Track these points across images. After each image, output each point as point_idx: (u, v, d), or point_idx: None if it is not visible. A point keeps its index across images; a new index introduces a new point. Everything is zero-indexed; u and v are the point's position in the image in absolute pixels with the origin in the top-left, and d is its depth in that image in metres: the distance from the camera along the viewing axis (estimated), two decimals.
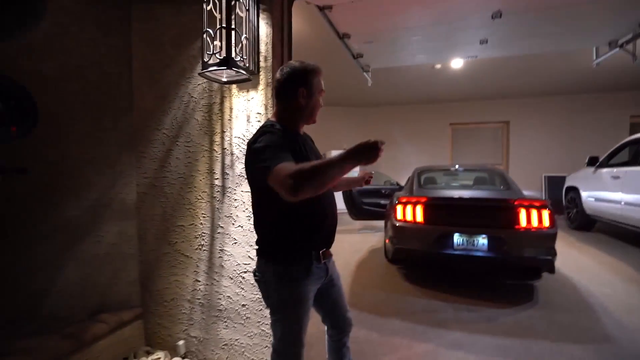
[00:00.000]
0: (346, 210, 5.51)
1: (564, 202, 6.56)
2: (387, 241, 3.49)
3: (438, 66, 5.47)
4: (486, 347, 2.23)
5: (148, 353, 2.05)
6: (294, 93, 1.22)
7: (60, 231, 2.03)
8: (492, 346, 2.24)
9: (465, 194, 3.35)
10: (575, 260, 4.19)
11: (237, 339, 1.90)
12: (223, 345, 1.94)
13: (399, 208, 3.25)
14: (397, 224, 3.22)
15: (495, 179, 4.08)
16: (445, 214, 3.08)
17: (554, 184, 7.57)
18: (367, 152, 1.01)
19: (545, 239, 2.89)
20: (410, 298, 3.07)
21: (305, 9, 2.90)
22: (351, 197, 5.25)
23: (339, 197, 6.70)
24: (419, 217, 3.13)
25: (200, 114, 1.92)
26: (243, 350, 1.88)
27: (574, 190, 6.12)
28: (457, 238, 2.98)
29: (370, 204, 5.20)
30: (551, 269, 2.91)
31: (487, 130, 8.55)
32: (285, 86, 1.24)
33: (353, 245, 5.03)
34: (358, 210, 5.25)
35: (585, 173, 5.80)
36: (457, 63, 5.28)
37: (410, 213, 3.18)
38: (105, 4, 2.02)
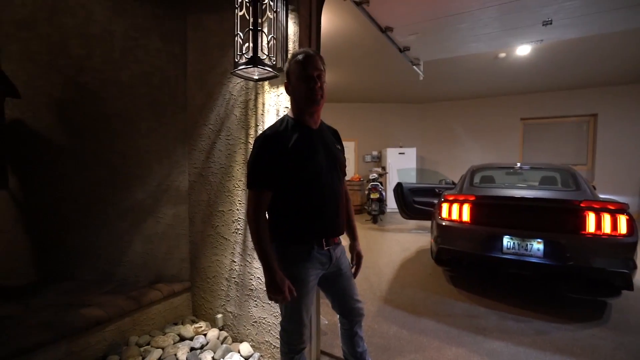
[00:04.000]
0: (397, 210, 5.39)
1: None
2: (432, 241, 3.33)
3: (502, 55, 4.95)
4: None
5: (193, 322, 2.31)
6: (286, 85, 1.34)
7: (131, 211, 2.41)
8: None
9: (520, 193, 3.02)
10: None
11: (265, 318, 2.03)
12: (253, 322, 2.09)
13: (445, 206, 3.07)
14: (442, 223, 3.06)
15: (565, 179, 3.57)
16: (495, 214, 2.83)
17: None
18: (272, 289, 1.25)
19: (619, 248, 2.46)
20: (450, 300, 2.90)
21: (344, 5, 2.90)
22: (402, 194, 5.10)
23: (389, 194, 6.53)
24: (465, 217, 2.92)
25: (239, 110, 2.09)
26: (270, 328, 2.01)
27: None
28: (506, 241, 2.71)
29: (422, 203, 4.99)
30: (628, 284, 2.46)
31: (568, 126, 7.44)
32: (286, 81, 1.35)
33: (402, 245, 4.89)
34: (409, 209, 5.08)
35: None
36: (523, 50, 4.72)
37: (457, 212, 2.99)
38: (166, 17, 2.32)
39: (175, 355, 1.92)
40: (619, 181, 6.81)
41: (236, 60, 1.73)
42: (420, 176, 8.46)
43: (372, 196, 6.75)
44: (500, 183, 4.04)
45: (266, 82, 1.94)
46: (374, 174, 7.44)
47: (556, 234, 2.59)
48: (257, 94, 2.00)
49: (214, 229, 2.26)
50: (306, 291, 1.32)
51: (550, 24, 2.81)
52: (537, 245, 2.62)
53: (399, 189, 5.17)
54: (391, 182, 7.82)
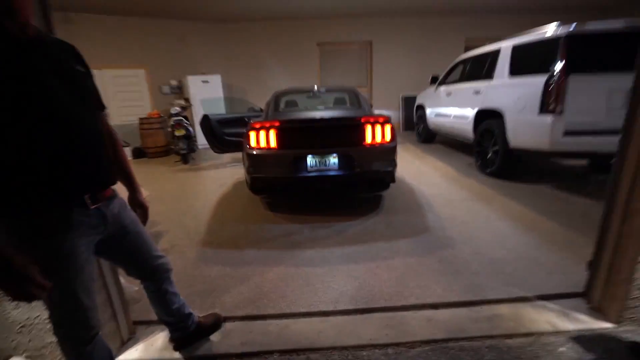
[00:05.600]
0: (208, 145, 5.15)
1: (414, 119, 7.62)
2: (245, 171, 3.39)
3: None
4: (335, 258, 2.50)
5: None
6: None
7: None
8: (339, 256, 2.52)
9: (316, 115, 3.42)
10: (417, 169, 5.03)
11: (38, 316, 1.57)
12: (20, 328, 1.59)
13: (252, 134, 3.11)
14: (252, 152, 3.12)
15: (351, 99, 4.29)
16: (298, 137, 3.11)
17: (409, 103, 8.61)
18: (10, 283, 0.88)
19: (387, 153, 3.24)
20: (269, 226, 3.16)
21: None
22: (210, 128, 4.84)
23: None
24: (273, 143, 3.07)
25: None
26: (49, 327, 1.58)
27: (421, 108, 7.11)
28: (310, 160, 3.08)
29: (233, 135, 4.92)
30: (392, 178, 3.34)
31: (353, 52, 8.84)
32: None
33: (218, 181, 4.82)
34: (220, 142, 4.93)
35: (429, 92, 6.74)
36: None
37: (264, 139, 3.08)
38: None
39: None
40: (387, 99, 8.88)
41: None
42: (230, 106, 8.25)
43: (177, 133, 6.15)
44: (303, 106, 4.43)
45: None
46: (176, 108, 6.72)
47: (346, 148, 3.12)
48: None
49: None
50: (77, 268, 1.04)
51: None
52: (333, 160, 3.11)
53: (206, 121, 4.87)
54: (198, 115, 7.28)
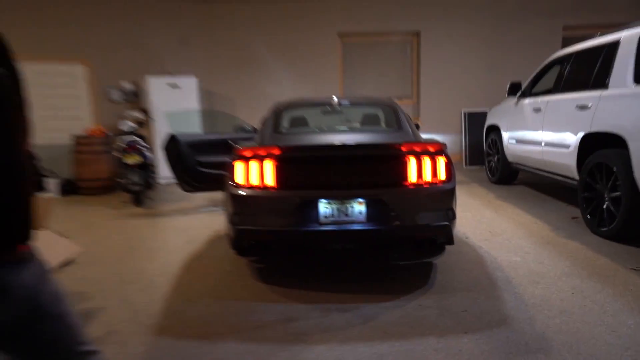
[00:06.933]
0: (174, 180, 5.30)
1: (484, 147, 7.68)
2: (227, 222, 3.45)
3: None
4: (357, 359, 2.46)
5: None
6: None
7: None
8: (366, 357, 2.48)
9: (335, 140, 3.52)
10: (489, 224, 5.00)
11: None
12: None
13: (239, 166, 3.21)
14: (237, 192, 3.20)
15: (388, 117, 4.40)
16: (308, 172, 3.19)
17: (476, 122, 8.68)
18: None
19: (442, 198, 3.27)
20: (259, 305, 3.17)
21: None
22: (179, 155, 5.01)
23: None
24: (269, 179, 3.15)
25: None
26: None
27: (495, 131, 7.20)
28: (324, 207, 3.13)
29: (212, 165, 5.06)
30: (449, 238, 3.33)
31: (392, 47, 9.17)
32: None
33: (185, 234, 4.91)
34: (192, 176, 5.08)
35: (507, 106, 6.85)
36: None
37: (257, 173, 3.17)
38: None
39: None
40: (443, 116, 9.05)
41: None
42: (209, 122, 8.54)
43: (128, 160, 6.37)
44: (315, 127, 4.57)
45: None
46: (129, 123, 7.04)
47: (378, 190, 3.17)
48: None
49: None
50: None
51: None
52: (359, 208, 3.15)
53: (173, 144, 5.05)
54: (161, 134, 7.55)
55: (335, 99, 4.68)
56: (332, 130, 4.33)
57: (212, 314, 3.05)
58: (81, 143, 7.46)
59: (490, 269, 3.71)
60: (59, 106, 7.91)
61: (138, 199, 6.52)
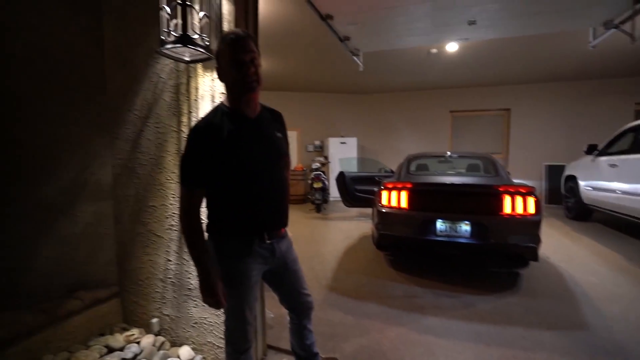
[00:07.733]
0: (339, 198, 5.50)
1: (562, 190, 6.42)
2: (373, 227, 3.46)
3: (434, 51, 5.27)
4: (459, 332, 2.21)
5: (124, 329, 2.08)
6: (218, 70, 1.23)
7: (38, 210, 2.04)
8: (464, 331, 2.22)
9: (449, 180, 3.28)
10: (567, 250, 4.11)
11: (206, 318, 1.90)
12: (193, 323, 1.95)
13: (384, 194, 3.20)
14: (382, 210, 3.18)
15: (486, 166, 3.98)
16: (429, 200, 3.03)
17: (554, 173, 7.38)
18: (205, 292, 1.19)
19: (529, 226, 2.82)
20: (391, 283, 3.06)
21: None
22: (344, 183, 5.21)
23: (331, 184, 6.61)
24: (403, 203, 3.08)
25: (169, 95, 1.88)
26: (212, 328, 1.89)
27: (572, 180, 5.96)
28: (439, 224, 2.93)
29: (363, 191, 5.15)
30: (534, 256, 2.84)
31: (488, 118, 8.32)
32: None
33: (345, 232, 5.02)
34: (351, 197, 5.22)
35: (584, 162, 5.65)
36: (452, 47, 5.08)
37: (395, 199, 3.13)
38: None
39: None
40: (527, 167, 7.82)
41: (162, 37, 1.53)
42: (361, 165, 8.73)
43: (315, 185, 6.80)
44: (434, 170, 4.35)
45: (199, 65, 1.77)
46: (317, 163, 7.48)
47: (480, 216, 2.86)
48: (189, 77, 1.82)
49: (145, 226, 2.03)
50: (248, 288, 1.25)
51: (475, 23, 3.04)
52: (465, 227, 2.87)
53: (341, 177, 5.28)
54: (333, 171, 7.95)
55: (448, 152, 4.42)
56: (446, 173, 4.06)
57: (361, 284, 3.05)
58: (291, 173, 8.20)
59: (569, 284, 3.02)
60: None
61: (318, 208, 6.90)
